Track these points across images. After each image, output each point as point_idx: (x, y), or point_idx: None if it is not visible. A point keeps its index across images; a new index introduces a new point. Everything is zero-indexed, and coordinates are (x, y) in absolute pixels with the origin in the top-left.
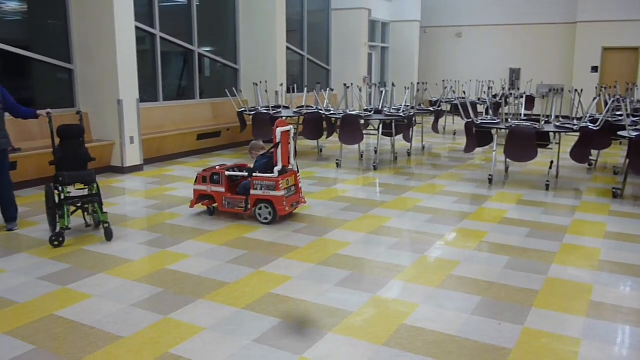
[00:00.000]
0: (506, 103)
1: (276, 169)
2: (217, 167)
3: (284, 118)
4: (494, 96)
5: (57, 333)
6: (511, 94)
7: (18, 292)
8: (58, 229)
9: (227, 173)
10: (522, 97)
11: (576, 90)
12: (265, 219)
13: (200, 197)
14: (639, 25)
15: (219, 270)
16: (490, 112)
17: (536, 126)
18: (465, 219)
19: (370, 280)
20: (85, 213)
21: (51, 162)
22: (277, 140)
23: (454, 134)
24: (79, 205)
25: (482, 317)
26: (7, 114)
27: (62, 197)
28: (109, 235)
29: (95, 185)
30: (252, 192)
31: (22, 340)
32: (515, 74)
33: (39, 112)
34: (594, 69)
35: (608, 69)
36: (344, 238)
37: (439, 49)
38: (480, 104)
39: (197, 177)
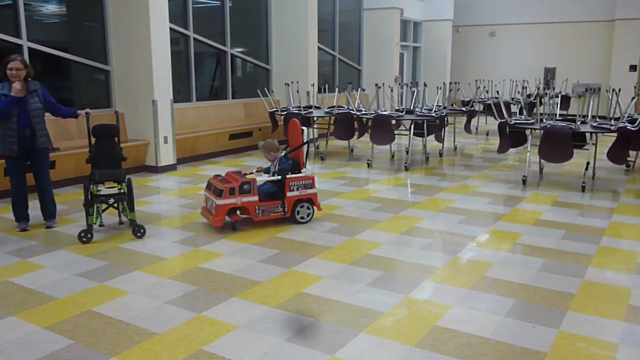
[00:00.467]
0: (541, 103)
1: (304, 170)
2: (219, 178)
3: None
4: (528, 96)
5: (95, 328)
6: (546, 93)
7: (57, 287)
8: (87, 225)
9: (259, 180)
10: (557, 96)
11: (614, 90)
12: (302, 218)
13: (229, 211)
14: None
15: (251, 269)
16: (525, 112)
17: (572, 126)
18: (498, 220)
19: (402, 281)
20: (118, 211)
21: (87, 160)
22: (305, 140)
23: (487, 134)
24: (110, 203)
25: (516, 319)
26: (47, 113)
27: (92, 194)
28: (136, 233)
29: (124, 184)
30: (290, 193)
31: (61, 334)
32: (550, 73)
33: (78, 111)
34: (633, 68)
35: None
36: (376, 238)
37: (472, 48)
38: (514, 104)
39: (221, 191)
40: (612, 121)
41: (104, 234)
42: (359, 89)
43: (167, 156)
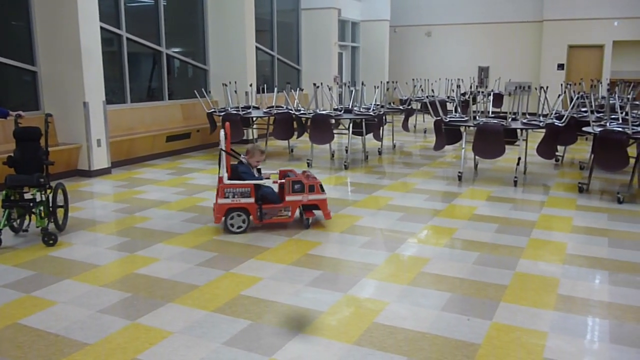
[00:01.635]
0: (474, 101)
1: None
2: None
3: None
4: (463, 94)
5: (22, 342)
6: (480, 91)
7: None
8: None
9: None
10: (490, 94)
11: (542, 88)
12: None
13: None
14: (604, 23)
15: (189, 273)
16: (459, 110)
17: (503, 123)
18: (436, 216)
19: (342, 280)
20: (29, 218)
21: (4, 163)
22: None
23: (425, 132)
24: (23, 208)
25: (452, 313)
26: None
27: (2, 200)
28: (47, 242)
29: (36, 190)
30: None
31: None
32: (484, 72)
33: (11, 112)
34: (560, 67)
35: (574, 66)
36: (316, 238)
37: (408, 48)
38: (450, 102)
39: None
40: (541, 118)
41: (32, 242)
42: (298, 89)
43: (100, 160)
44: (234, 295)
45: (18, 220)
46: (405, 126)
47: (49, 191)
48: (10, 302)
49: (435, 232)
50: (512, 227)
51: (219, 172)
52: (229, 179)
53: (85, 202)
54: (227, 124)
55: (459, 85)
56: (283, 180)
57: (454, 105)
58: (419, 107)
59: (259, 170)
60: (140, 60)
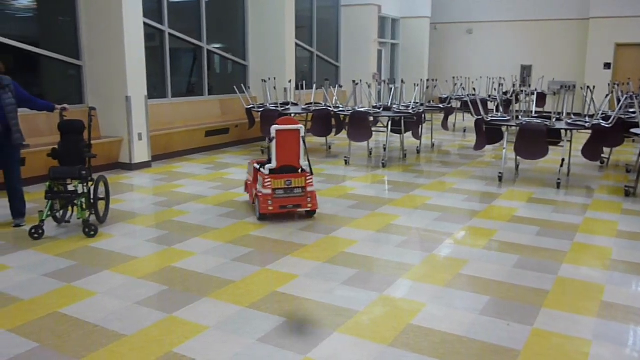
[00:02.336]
0: (517, 100)
1: (268, 166)
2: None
3: (292, 115)
4: (505, 93)
5: (61, 330)
6: (522, 90)
7: (23, 288)
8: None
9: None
10: (533, 94)
11: (588, 87)
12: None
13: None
14: None
15: (224, 268)
16: (501, 109)
17: (547, 123)
18: (474, 217)
19: (378, 279)
20: (71, 209)
21: (48, 155)
22: (272, 136)
23: (464, 131)
24: (64, 200)
25: (491, 317)
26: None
27: (46, 191)
28: (88, 233)
29: (79, 182)
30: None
31: (25, 337)
32: (526, 71)
33: (57, 106)
34: (607, 66)
35: (621, 65)
36: (352, 236)
37: (449, 46)
38: (491, 101)
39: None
40: (587, 118)
41: (74, 233)
42: (337, 86)
43: (141, 153)
44: (268, 291)
45: (61, 212)
46: (444, 125)
47: (90, 184)
48: (52, 292)
49: (474, 234)
50: (554, 230)
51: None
52: None
53: (126, 194)
54: (288, 118)
55: (501, 84)
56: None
57: (495, 104)
58: (458, 106)
59: None
60: (181, 56)
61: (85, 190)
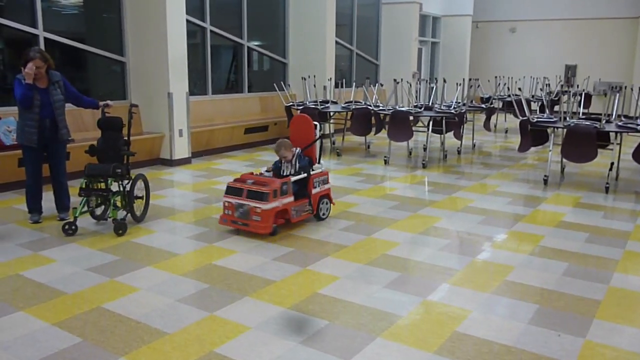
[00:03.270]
0: (567, 98)
1: (318, 165)
2: (244, 181)
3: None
4: (549, 93)
5: (105, 326)
6: (568, 91)
7: (67, 282)
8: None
9: (293, 179)
10: (579, 95)
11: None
12: (324, 214)
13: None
14: None
15: (265, 267)
16: (547, 110)
17: (597, 125)
18: (519, 222)
19: (420, 283)
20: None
21: (86, 151)
22: (318, 136)
23: (506, 132)
24: (99, 197)
25: (540, 327)
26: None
27: (81, 188)
28: (117, 231)
29: (112, 180)
30: (314, 190)
31: (69, 331)
32: (571, 71)
33: (100, 103)
34: None
35: None
36: (393, 238)
37: (491, 44)
38: (535, 102)
39: (266, 194)
40: (639, 121)
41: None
42: (377, 84)
43: (181, 149)
44: (310, 293)
45: (98, 209)
46: (486, 125)
47: (127, 181)
48: (95, 286)
49: (519, 239)
50: (604, 237)
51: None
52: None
53: (166, 190)
54: (305, 116)
55: (548, 84)
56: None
57: (539, 104)
58: (500, 106)
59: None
60: (221, 53)
61: (120, 189)
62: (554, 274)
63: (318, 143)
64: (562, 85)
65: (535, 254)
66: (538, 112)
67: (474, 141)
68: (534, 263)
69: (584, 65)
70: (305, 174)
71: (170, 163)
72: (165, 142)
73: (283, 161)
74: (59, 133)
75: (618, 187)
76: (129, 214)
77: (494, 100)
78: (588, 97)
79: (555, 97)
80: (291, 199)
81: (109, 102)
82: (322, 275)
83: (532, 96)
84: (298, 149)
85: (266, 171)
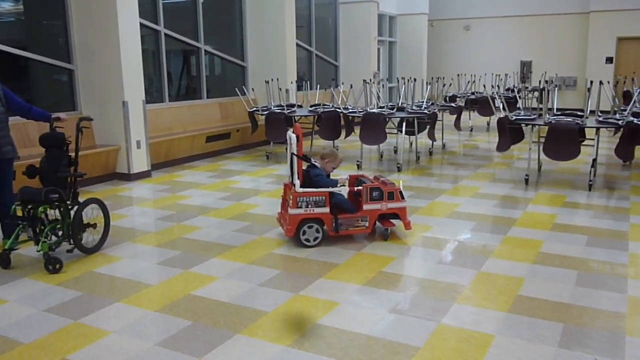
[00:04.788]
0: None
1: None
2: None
3: (298, 118)
4: (507, 89)
5: None
6: (526, 87)
7: (23, 328)
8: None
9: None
10: (542, 90)
11: (601, 82)
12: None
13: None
14: None
15: (252, 295)
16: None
17: (579, 122)
18: (513, 226)
19: (429, 305)
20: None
21: (23, 173)
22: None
23: (471, 130)
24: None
25: (573, 350)
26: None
27: (12, 216)
28: (47, 267)
29: (41, 208)
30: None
31: None
32: (526, 67)
33: (53, 115)
34: (609, 60)
35: (623, 59)
36: (386, 252)
37: (447, 43)
38: (498, 98)
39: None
40: (617, 116)
41: (75, 256)
42: (342, 85)
43: (140, 162)
44: (309, 324)
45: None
46: (457, 124)
47: (68, 208)
48: (56, 332)
49: (519, 246)
50: (603, 239)
51: (290, 178)
52: (301, 186)
53: (127, 208)
54: (297, 125)
55: (524, 81)
56: (360, 187)
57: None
58: (464, 104)
59: (328, 176)
60: (177, 57)
61: (59, 216)
62: (566, 284)
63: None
64: (545, 81)
65: (539, 262)
66: (502, 109)
67: (444, 141)
68: (543, 273)
69: (538, 61)
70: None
71: (129, 177)
72: (121, 155)
73: (327, 174)
74: (2, 150)
75: (597, 183)
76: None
77: (457, 99)
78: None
79: (514, 93)
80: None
81: (61, 115)
82: (319, 301)
83: (495, 93)
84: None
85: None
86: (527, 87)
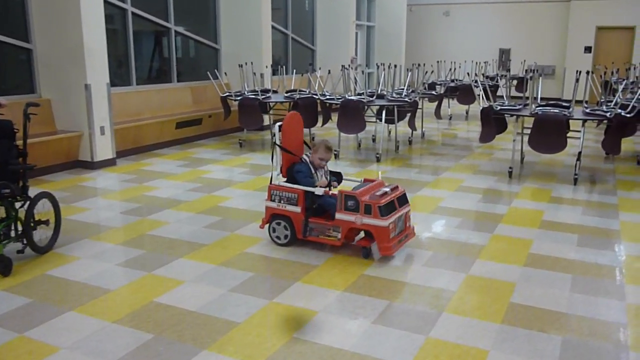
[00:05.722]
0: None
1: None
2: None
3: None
4: (487, 77)
5: None
6: (504, 75)
7: None
8: None
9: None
10: (515, 78)
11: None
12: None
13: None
14: (634, 3)
15: (222, 302)
16: (505, 96)
17: (566, 113)
18: (500, 223)
19: (414, 314)
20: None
21: None
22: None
23: (450, 118)
24: None
25: None
26: None
27: None
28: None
29: None
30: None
31: None
32: (505, 55)
33: None
34: (588, 49)
35: (602, 48)
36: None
37: (426, 29)
38: (477, 87)
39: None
40: (604, 107)
41: (26, 257)
42: (319, 69)
43: (104, 149)
44: (285, 338)
45: None
46: (437, 113)
47: (19, 205)
48: (0, 347)
49: (508, 245)
50: (594, 237)
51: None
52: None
53: (89, 200)
54: (292, 113)
55: (508, 70)
56: (335, 192)
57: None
58: (443, 92)
59: (331, 173)
60: (146, 38)
61: (13, 213)
62: (561, 290)
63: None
64: (528, 70)
65: (531, 264)
66: (484, 98)
67: (423, 129)
68: (535, 277)
69: (517, 49)
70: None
71: (92, 166)
72: (84, 141)
73: (314, 169)
74: None
75: (581, 176)
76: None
77: (437, 86)
78: (523, 81)
79: (494, 82)
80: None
81: (1, 100)
82: (295, 310)
83: (475, 81)
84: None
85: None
86: (505, 75)
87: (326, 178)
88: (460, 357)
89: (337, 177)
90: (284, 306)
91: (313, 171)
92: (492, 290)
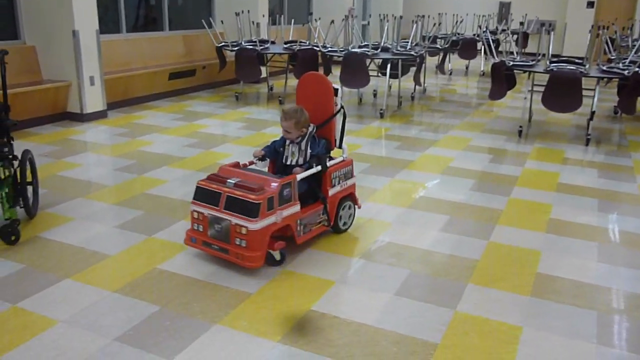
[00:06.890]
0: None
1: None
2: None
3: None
4: (491, 32)
5: None
6: (504, 29)
7: None
8: None
9: (299, 176)
10: (516, 33)
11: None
12: (345, 224)
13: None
14: None
15: (231, 271)
16: (508, 51)
17: (582, 70)
18: (515, 185)
19: (442, 287)
20: None
21: None
22: (339, 107)
23: (450, 73)
24: None
25: (614, 348)
26: None
27: None
28: (7, 239)
29: None
30: (332, 190)
31: None
32: (505, 8)
33: None
34: (590, 5)
35: (604, 4)
36: (381, 216)
37: None
38: (479, 41)
39: (256, 206)
40: (620, 65)
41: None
42: (318, 20)
43: (94, 101)
44: (303, 311)
45: None
46: (441, 68)
47: (11, 164)
48: None
49: (528, 210)
50: (615, 203)
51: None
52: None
53: (80, 155)
54: (317, 74)
55: (507, 22)
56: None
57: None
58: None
59: (316, 157)
60: None
61: (7, 174)
62: (588, 260)
63: (340, 117)
64: (522, 24)
65: (553, 231)
66: (490, 53)
67: (425, 85)
68: (559, 245)
69: (517, 2)
70: (320, 168)
71: (81, 118)
72: (72, 92)
73: (288, 141)
74: None
75: (593, 137)
76: (24, 208)
77: (438, 40)
78: (525, 36)
79: (496, 36)
80: (297, 207)
81: None
82: (311, 277)
83: (476, 35)
84: (313, 126)
85: (258, 159)
86: (505, 30)
87: (300, 156)
88: (492, 334)
89: (320, 160)
90: (298, 274)
91: (287, 144)
92: (516, 259)
